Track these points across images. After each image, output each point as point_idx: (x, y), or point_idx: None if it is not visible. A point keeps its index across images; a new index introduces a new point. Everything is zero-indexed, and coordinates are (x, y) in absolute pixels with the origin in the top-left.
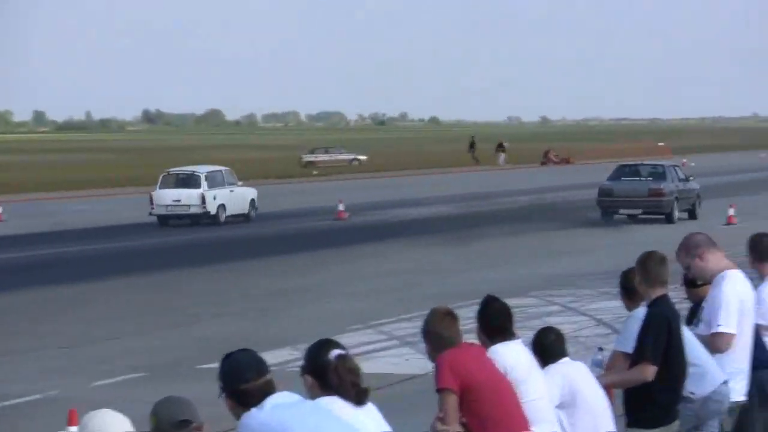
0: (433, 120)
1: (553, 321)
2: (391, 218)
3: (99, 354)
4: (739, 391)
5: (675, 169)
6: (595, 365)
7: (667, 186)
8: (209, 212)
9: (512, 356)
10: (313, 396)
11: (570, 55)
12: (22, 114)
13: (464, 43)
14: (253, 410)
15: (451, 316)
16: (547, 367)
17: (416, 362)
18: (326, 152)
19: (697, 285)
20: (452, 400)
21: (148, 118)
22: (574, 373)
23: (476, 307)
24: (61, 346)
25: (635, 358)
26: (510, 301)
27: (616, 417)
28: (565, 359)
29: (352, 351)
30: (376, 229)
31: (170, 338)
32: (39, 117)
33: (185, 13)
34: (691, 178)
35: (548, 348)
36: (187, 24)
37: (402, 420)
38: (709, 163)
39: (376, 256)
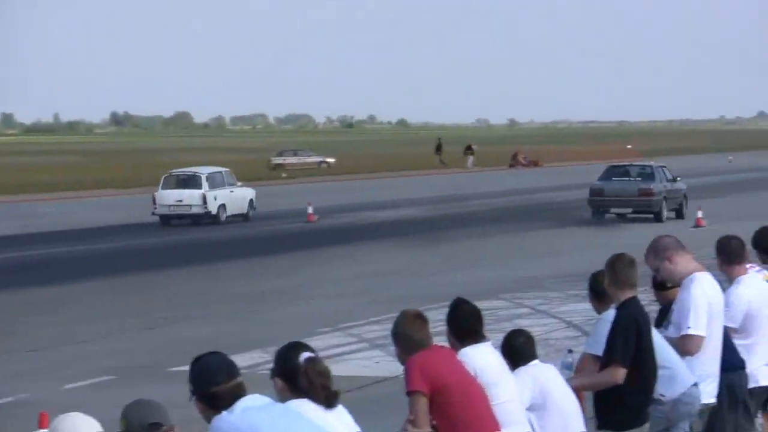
0: (401, 122)
1: (522, 323)
2: (360, 221)
3: (71, 356)
4: (709, 393)
5: (663, 170)
6: (565, 368)
7: (656, 186)
8: (210, 212)
9: (482, 359)
10: (283, 399)
11: (538, 57)
12: None
13: (432, 45)
14: (224, 413)
15: (421, 318)
16: (517, 370)
17: (386, 365)
18: (295, 155)
19: (666, 287)
20: (423, 403)
21: (116, 120)
22: (544, 376)
23: (446, 310)
24: (29, 349)
25: (605, 361)
26: (480, 304)
27: (587, 419)
28: (535, 362)
29: (322, 354)
30: (345, 232)
31: (142, 340)
32: (7, 119)
33: (153, 16)
34: (678, 178)
35: (518, 350)
36: (154, 27)
37: (372, 423)
38: (678, 166)
39: (346, 258)
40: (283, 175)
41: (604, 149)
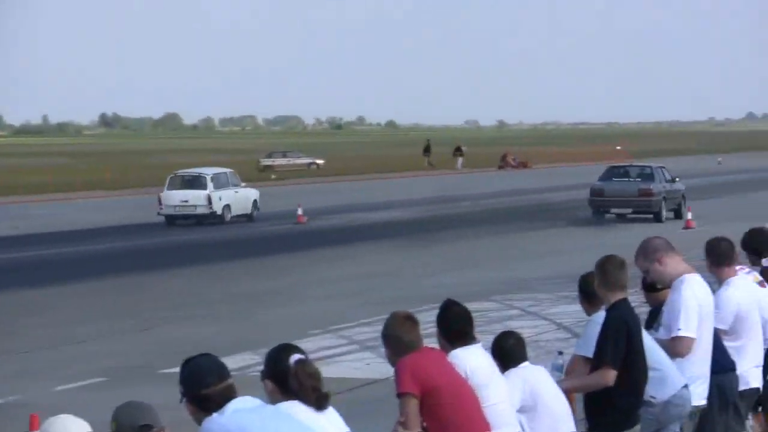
0: (391, 124)
1: (513, 325)
2: (349, 222)
3: (62, 358)
4: (699, 395)
5: (662, 171)
6: (555, 369)
7: (656, 186)
8: (215, 212)
9: (473, 360)
10: (273, 401)
11: (527, 59)
12: None
13: (421, 46)
14: (214, 415)
15: (411, 320)
16: (507, 372)
17: (377, 367)
18: (284, 156)
19: (656, 289)
20: (413, 405)
21: (106, 122)
22: (535, 378)
23: (436, 312)
24: (21, 351)
25: (595, 363)
26: (470, 306)
27: (577, 421)
28: (526, 363)
29: (312, 355)
30: (335, 233)
31: (133, 342)
32: None
33: (142, 18)
34: (677, 179)
35: (508, 352)
36: (143, 28)
37: (363, 425)
38: (667, 167)
39: (336, 260)
40: (273, 176)
41: (594, 151)
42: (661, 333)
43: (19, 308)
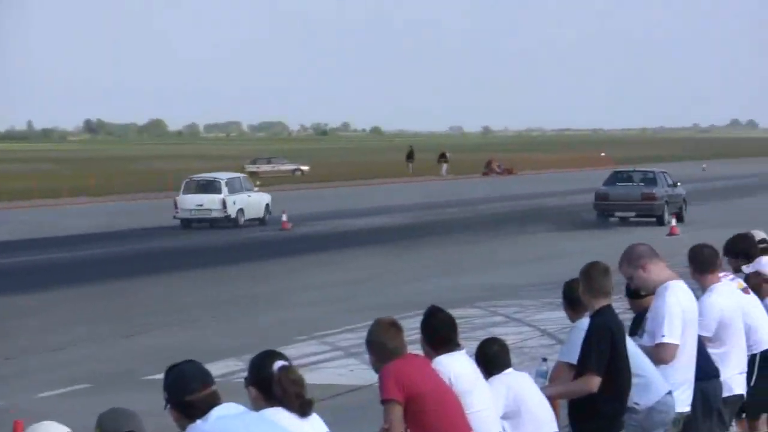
0: (375, 130)
1: (497, 331)
2: (334, 229)
3: (46, 364)
4: (683, 402)
5: (665, 176)
6: (539, 376)
7: (659, 191)
8: (230, 216)
9: (457, 367)
10: (257, 407)
11: (512, 65)
12: None
13: (405, 53)
14: (198, 422)
15: (395, 326)
16: (491, 378)
17: (361, 373)
18: (268, 162)
19: (640, 296)
20: (397, 411)
21: (90, 128)
22: (519, 384)
23: (420, 318)
24: (4, 357)
25: (579, 369)
26: (454, 312)
27: (561, 428)
28: (509, 370)
29: (296, 362)
30: (319, 240)
31: (116, 348)
32: None
33: (126, 24)
34: (678, 183)
35: (492, 359)
36: (128, 34)
37: (347, 431)
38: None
39: (320, 266)
40: (257, 183)
41: (578, 157)
42: (645, 339)
43: (4, 314)
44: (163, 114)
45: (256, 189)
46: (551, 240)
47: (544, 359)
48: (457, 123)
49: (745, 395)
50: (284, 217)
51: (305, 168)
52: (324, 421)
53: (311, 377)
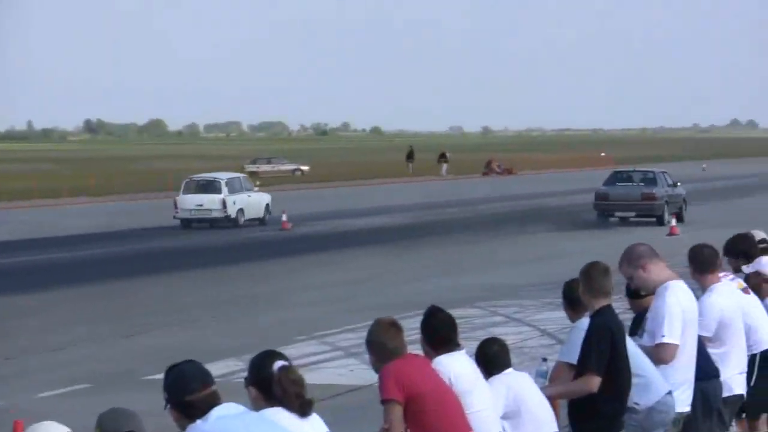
0: (375, 130)
1: (497, 331)
2: (334, 228)
3: (46, 364)
4: (683, 402)
5: (664, 176)
6: (539, 376)
7: (659, 191)
8: (230, 216)
9: (457, 367)
10: (257, 407)
11: (512, 65)
12: None
13: (406, 52)
14: (198, 422)
15: (395, 326)
16: (491, 378)
17: (361, 373)
18: (268, 162)
19: (640, 296)
20: (397, 411)
21: (90, 128)
22: (519, 384)
23: (420, 318)
24: (4, 357)
25: (579, 369)
26: (454, 312)
27: (561, 428)
28: (509, 370)
29: (296, 362)
30: (319, 240)
31: (117, 348)
32: None
33: (126, 24)
34: (678, 184)
35: (492, 359)
36: (128, 34)
37: (347, 431)
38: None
39: (320, 266)
40: (257, 183)
41: (578, 157)
42: (645, 339)
43: (4, 314)
44: (163, 114)
45: (256, 189)
46: (551, 240)
47: (544, 359)
48: (457, 123)
49: (745, 395)
50: (284, 217)
51: (305, 168)
52: (324, 421)
53: (311, 377)
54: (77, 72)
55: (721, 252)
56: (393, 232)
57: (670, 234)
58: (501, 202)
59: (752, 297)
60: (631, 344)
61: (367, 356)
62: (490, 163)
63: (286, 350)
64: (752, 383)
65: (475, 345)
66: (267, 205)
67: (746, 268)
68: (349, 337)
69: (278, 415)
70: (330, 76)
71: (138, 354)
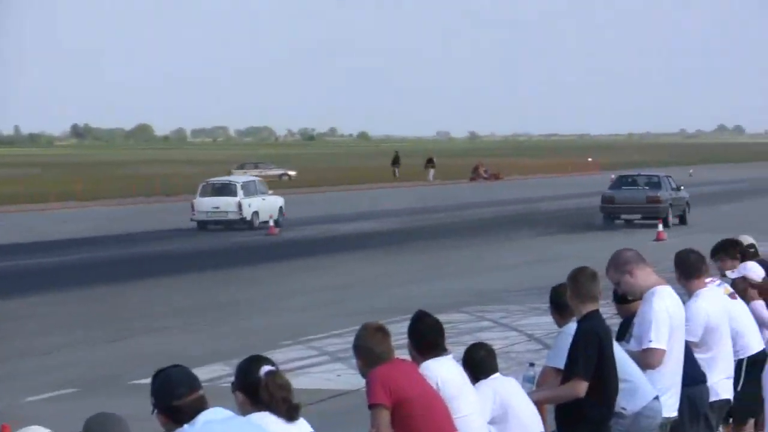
0: (362, 135)
1: (484, 336)
2: (321, 233)
3: (33, 368)
4: (670, 407)
5: (668, 180)
6: (526, 381)
7: (663, 194)
8: (245, 218)
9: (444, 372)
10: (244, 412)
11: (499, 70)
12: None
13: (392, 57)
14: (185, 426)
15: (382, 331)
16: (478, 383)
17: (348, 378)
18: (255, 167)
19: (627, 301)
20: (384, 416)
21: (77, 133)
22: (505, 389)
23: (407, 323)
24: None
25: (566, 374)
26: (441, 317)
27: None
28: (496, 375)
29: (283, 366)
30: (306, 245)
31: (104, 352)
32: None
33: (113, 29)
34: (681, 187)
35: (479, 363)
36: (115, 39)
37: None
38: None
39: (307, 271)
40: None
41: (565, 162)
42: (632, 345)
43: None
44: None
45: (270, 192)
46: (537, 245)
47: (531, 364)
48: (444, 128)
49: (732, 400)
50: (271, 222)
51: (292, 173)
52: (311, 426)
53: (298, 382)
54: (64, 77)
55: (708, 257)
56: (380, 237)
57: (657, 239)
58: (488, 207)
59: (739, 302)
60: (618, 349)
61: (354, 361)
62: (477, 168)
63: (273, 355)
64: (739, 388)
65: (462, 350)
66: (281, 207)
67: (732, 273)
68: (336, 342)
69: (265, 419)
70: (317, 82)
71: (125, 359)
